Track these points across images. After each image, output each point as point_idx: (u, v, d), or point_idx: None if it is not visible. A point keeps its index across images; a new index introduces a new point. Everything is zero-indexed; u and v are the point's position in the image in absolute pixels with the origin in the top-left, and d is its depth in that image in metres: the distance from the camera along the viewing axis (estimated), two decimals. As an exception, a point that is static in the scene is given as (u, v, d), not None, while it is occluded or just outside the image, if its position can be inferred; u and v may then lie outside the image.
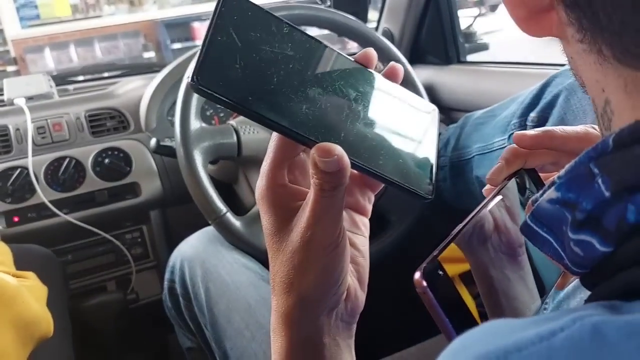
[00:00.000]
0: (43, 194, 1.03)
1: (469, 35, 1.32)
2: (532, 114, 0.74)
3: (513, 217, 0.35)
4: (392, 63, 0.37)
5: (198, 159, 0.84)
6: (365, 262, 0.38)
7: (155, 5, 6.48)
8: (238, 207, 0.92)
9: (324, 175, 0.30)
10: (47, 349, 0.76)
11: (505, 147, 0.80)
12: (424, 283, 0.27)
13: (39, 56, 5.62)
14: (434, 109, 0.39)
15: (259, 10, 0.31)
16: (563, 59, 0.28)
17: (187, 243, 0.91)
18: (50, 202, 1.03)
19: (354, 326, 0.38)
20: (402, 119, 0.36)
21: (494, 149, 0.82)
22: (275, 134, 0.34)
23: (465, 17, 1.36)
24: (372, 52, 0.36)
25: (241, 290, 0.80)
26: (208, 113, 1.20)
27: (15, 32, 5.79)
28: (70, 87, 1.33)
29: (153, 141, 0.94)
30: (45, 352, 0.75)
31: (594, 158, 0.23)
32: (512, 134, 0.77)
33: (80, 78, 1.45)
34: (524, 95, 0.79)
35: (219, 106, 1.22)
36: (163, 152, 0.95)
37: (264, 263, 0.86)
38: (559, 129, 0.40)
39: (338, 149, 0.30)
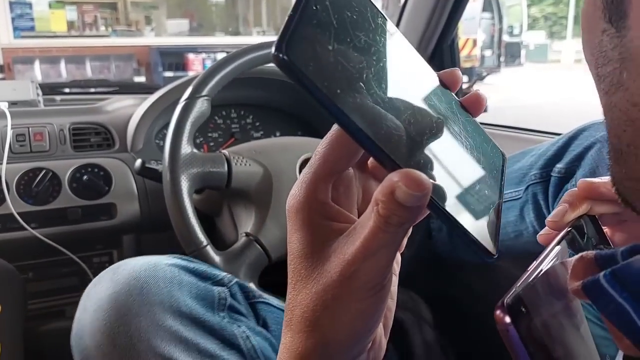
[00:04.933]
0: (12, 205, 0.97)
1: (469, 95, 1.32)
2: (559, 165, 0.72)
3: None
4: (475, 91, 0.32)
5: (184, 185, 0.79)
6: (393, 306, 0.33)
7: (152, 32, 6.52)
8: (217, 241, 0.87)
9: (398, 208, 0.25)
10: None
11: (520, 198, 0.78)
12: (507, 319, 0.24)
13: (27, 67, 5.58)
14: (504, 155, 0.34)
15: None
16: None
17: None
18: (19, 214, 0.97)
19: None
20: (479, 160, 0.31)
21: (505, 199, 0.80)
22: (328, 138, 0.28)
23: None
24: (459, 73, 0.31)
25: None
26: (198, 141, 1.17)
27: (7, 40, 5.75)
28: (58, 97, 1.28)
29: (138, 162, 0.90)
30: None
31: None
32: (530, 185, 0.75)
33: (69, 90, 1.40)
34: (542, 147, 0.77)
35: (210, 134, 1.21)
36: (147, 174, 0.91)
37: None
38: None
39: (429, 183, 0.24)
